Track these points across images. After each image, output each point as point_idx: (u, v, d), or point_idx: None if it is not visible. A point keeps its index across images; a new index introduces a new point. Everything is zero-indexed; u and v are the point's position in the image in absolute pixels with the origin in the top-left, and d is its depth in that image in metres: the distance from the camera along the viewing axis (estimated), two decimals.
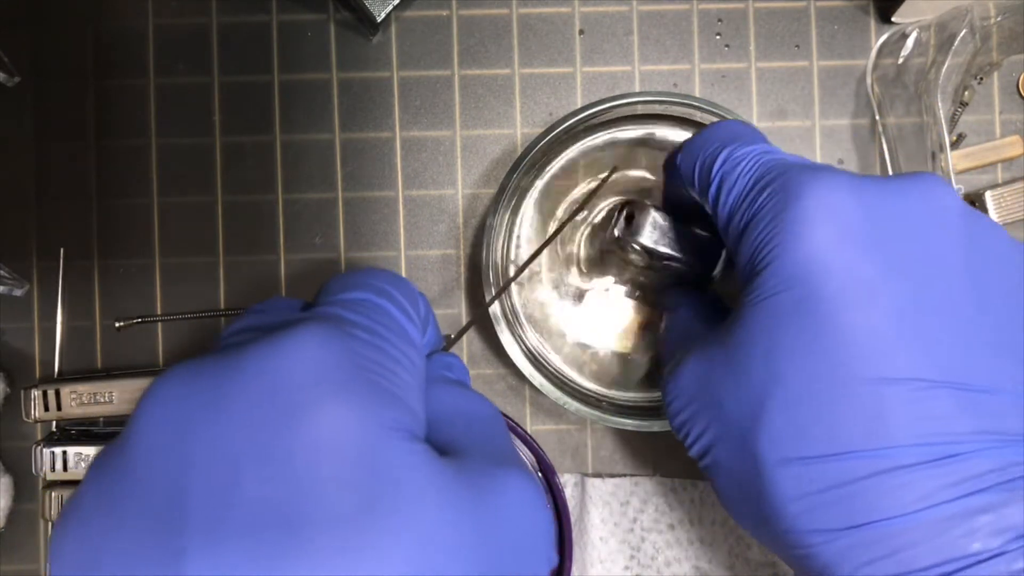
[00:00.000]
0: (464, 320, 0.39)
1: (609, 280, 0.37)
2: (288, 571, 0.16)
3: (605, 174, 0.36)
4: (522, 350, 0.36)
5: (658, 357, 0.37)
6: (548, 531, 0.21)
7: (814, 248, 0.23)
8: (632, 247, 0.33)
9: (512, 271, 0.37)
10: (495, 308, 0.35)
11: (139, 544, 0.17)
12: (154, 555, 0.17)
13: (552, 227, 0.37)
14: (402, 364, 0.21)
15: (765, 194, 0.25)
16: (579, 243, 0.37)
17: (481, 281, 0.35)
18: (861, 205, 0.24)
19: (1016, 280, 0.24)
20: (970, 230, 0.24)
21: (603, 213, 0.37)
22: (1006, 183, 0.39)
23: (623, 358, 0.37)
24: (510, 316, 0.36)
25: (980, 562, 0.20)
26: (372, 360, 0.20)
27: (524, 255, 0.37)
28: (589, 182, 0.37)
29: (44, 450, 0.37)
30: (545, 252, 0.37)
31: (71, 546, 0.18)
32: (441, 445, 0.21)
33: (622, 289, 0.37)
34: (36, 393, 0.37)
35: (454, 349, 0.39)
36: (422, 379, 0.22)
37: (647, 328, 0.37)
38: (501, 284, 0.36)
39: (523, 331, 0.37)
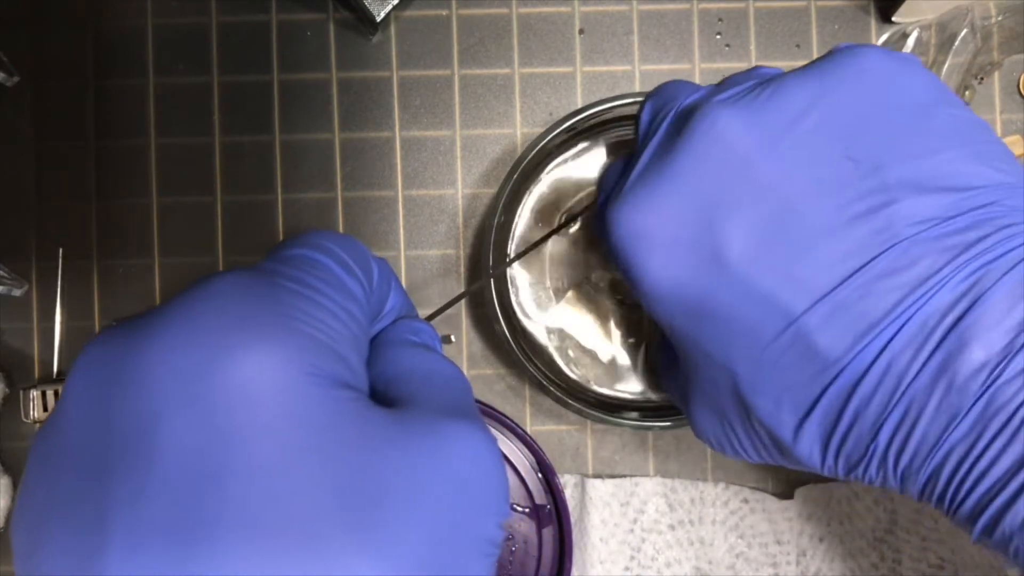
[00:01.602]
0: (465, 320, 0.39)
1: (605, 281, 0.37)
2: (209, 522, 0.16)
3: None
4: (521, 350, 0.36)
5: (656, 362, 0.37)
6: (497, 484, 0.20)
7: (645, 272, 0.25)
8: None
9: (512, 274, 0.37)
10: (494, 308, 0.35)
11: (68, 508, 0.17)
12: (81, 517, 0.17)
13: (556, 222, 0.36)
14: (335, 315, 0.20)
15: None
16: (580, 243, 0.37)
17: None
18: (645, 209, 0.24)
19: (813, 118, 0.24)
20: (760, 137, 0.23)
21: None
22: None
23: (623, 359, 0.37)
24: (510, 316, 0.36)
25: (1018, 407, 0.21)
26: (297, 308, 0.19)
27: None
28: (589, 190, 0.37)
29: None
30: (547, 252, 0.37)
31: (21, 515, 0.18)
32: (395, 400, 0.21)
33: (622, 291, 0.37)
34: (35, 393, 0.37)
35: (455, 347, 0.39)
36: (363, 332, 0.22)
37: (645, 330, 0.37)
38: (500, 288, 0.36)
39: (523, 331, 0.37)
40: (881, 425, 0.22)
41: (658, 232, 0.24)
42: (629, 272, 0.25)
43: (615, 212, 0.25)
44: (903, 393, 0.21)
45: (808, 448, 0.24)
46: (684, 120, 0.25)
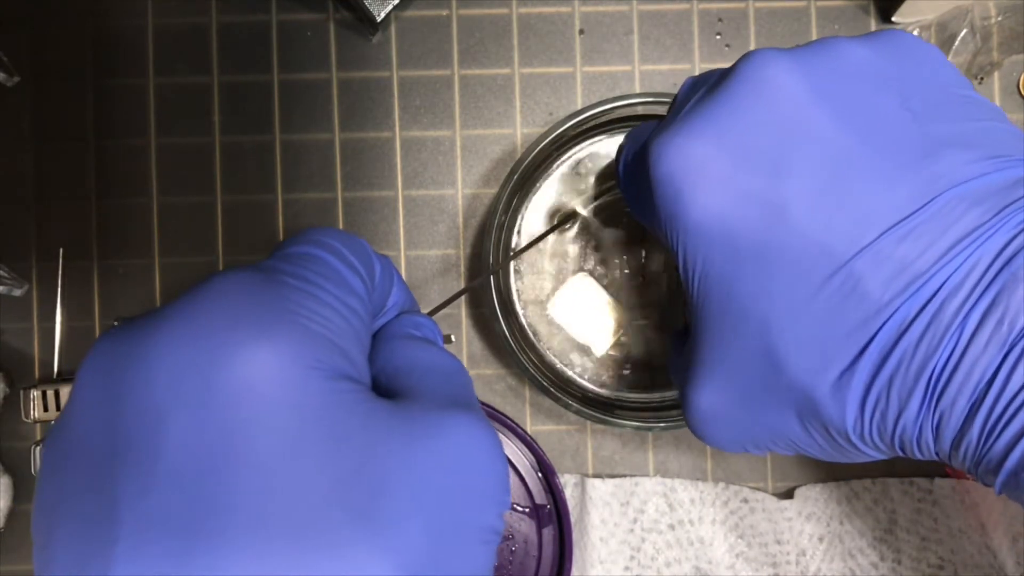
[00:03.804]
0: (465, 320, 0.39)
1: (606, 280, 0.37)
2: (215, 515, 0.17)
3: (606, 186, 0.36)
4: (521, 350, 0.36)
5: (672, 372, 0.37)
6: (498, 474, 0.21)
7: (692, 206, 0.24)
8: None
9: (512, 274, 0.37)
10: (494, 307, 0.35)
11: (78, 503, 0.18)
12: (91, 511, 0.17)
13: (556, 220, 0.37)
14: (336, 310, 0.20)
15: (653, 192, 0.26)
16: (580, 243, 0.37)
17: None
18: (699, 139, 0.24)
19: (860, 80, 0.24)
20: (812, 83, 0.24)
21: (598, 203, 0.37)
22: None
23: (622, 358, 0.37)
24: (510, 316, 0.36)
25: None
26: (299, 304, 0.20)
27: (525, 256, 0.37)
28: (591, 190, 0.37)
29: (42, 451, 0.37)
30: (546, 252, 0.37)
31: (37, 510, 0.19)
32: (397, 394, 0.21)
33: (623, 290, 0.37)
34: (35, 393, 0.37)
35: (455, 347, 0.39)
36: (365, 327, 0.22)
37: (646, 330, 0.37)
38: (501, 288, 0.36)
39: (523, 331, 0.37)
40: (927, 367, 0.21)
41: (712, 164, 0.24)
42: (673, 205, 0.24)
43: (663, 142, 0.24)
44: (953, 332, 0.21)
45: (843, 405, 0.23)
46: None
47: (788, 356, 0.23)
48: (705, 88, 0.26)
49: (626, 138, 0.30)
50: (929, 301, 0.21)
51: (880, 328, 0.22)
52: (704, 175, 0.24)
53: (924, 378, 0.21)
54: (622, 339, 0.37)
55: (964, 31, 0.37)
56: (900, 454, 0.24)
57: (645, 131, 0.29)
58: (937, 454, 0.23)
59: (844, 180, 0.23)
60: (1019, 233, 0.21)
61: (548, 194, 0.37)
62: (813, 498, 0.38)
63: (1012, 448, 0.21)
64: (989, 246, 0.21)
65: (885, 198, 0.22)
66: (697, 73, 0.40)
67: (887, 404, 0.22)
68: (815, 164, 0.23)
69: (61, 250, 0.39)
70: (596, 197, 0.36)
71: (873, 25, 0.40)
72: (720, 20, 0.40)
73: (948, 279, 0.21)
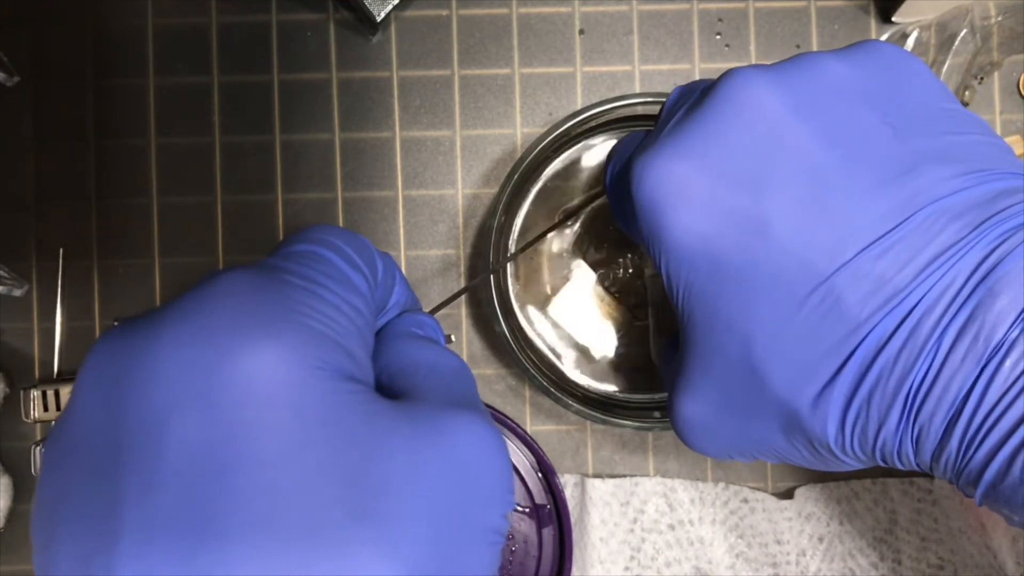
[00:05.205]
0: (464, 320, 0.39)
1: (607, 281, 0.37)
2: (218, 517, 0.17)
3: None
4: (521, 350, 0.36)
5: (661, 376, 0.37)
6: (502, 474, 0.21)
7: (673, 226, 0.24)
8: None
9: (512, 273, 0.37)
10: (494, 307, 0.35)
11: (80, 502, 0.17)
12: (93, 510, 0.17)
13: (555, 221, 0.37)
14: (340, 309, 0.20)
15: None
16: (580, 243, 0.37)
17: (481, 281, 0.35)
18: (679, 159, 0.24)
19: (842, 101, 0.24)
20: (793, 101, 0.24)
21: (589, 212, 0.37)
22: None
23: (622, 359, 0.37)
24: (510, 316, 0.36)
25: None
26: (302, 303, 0.20)
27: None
28: (590, 190, 0.37)
29: (43, 450, 0.37)
30: (546, 253, 0.37)
31: (37, 509, 0.19)
32: (400, 393, 0.21)
33: (623, 290, 0.37)
34: (35, 393, 0.37)
35: (455, 348, 0.39)
36: (368, 326, 0.22)
37: (647, 331, 0.37)
38: (501, 287, 0.36)
39: (523, 331, 0.37)
40: (905, 382, 0.21)
41: (691, 184, 0.24)
42: (655, 225, 0.24)
43: (645, 163, 0.24)
44: (930, 348, 0.21)
45: (824, 419, 0.23)
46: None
47: (771, 371, 0.23)
48: (688, 104, 0.26)
49: (612, 151, 0.30)
50: (907, 317, 0.21)
51: (859, 344, 0.22)
52: (685, 196, 0.24)
53: (902, 393, 0.22)
54: (622, 339, 0.37)
55: (964, 31, 0.37)
56: (882, 465, 0.24)
57: (630, 145, 0.29)
58: (918, 465, 0.23)
59: (825, 197, 0.23)
60: (996, 247, 0.21)
61: (548, 194, 0.37)
62: (813, 498, 0.38)
63: (990, 461, 0.21)
64: (966, 261, 0.21)
65: (865, 214, 0.22)
66: (696, 72, 0.40)
67: (867, 419, 0.22)
68: (796, 181, 0.23)
69: (61, 250, 0.39)
70: (596, 197, 0.37)
71: (873, 25, 0.40)
72: (720, 20, 0.40)
73: (925, 295, 0.21)
